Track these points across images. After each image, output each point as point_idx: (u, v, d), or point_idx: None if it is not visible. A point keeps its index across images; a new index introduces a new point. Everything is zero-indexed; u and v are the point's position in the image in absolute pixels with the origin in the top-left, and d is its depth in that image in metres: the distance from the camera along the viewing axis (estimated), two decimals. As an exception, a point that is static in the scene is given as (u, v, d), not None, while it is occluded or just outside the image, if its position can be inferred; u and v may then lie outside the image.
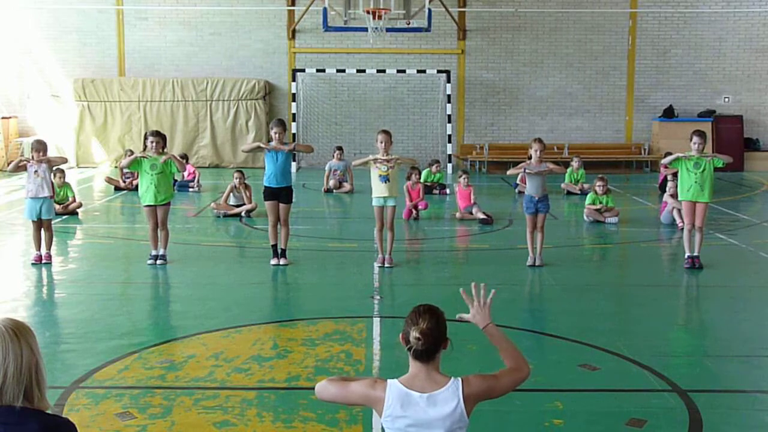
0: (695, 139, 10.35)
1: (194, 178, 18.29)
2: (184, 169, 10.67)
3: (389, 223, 10.30)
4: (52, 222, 10.76)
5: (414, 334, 3.19)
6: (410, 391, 3.21)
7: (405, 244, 12.16)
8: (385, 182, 10.16)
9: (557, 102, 24.07)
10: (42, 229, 10.48)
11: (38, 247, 10.48)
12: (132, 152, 18.30)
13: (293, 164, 21.47)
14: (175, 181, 15.28)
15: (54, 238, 10.73)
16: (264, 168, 10.54)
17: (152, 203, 10.45)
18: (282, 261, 10.47)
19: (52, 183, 10.83)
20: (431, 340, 3.20)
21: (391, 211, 10.29)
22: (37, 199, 10.34)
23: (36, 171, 10.30)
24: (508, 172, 11.00)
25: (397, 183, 10.51)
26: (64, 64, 23.61)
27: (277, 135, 10.31)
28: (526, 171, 10.33)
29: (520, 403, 5.65)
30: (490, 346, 3.53)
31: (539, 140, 10.49)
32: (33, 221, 10.44)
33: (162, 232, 10.56)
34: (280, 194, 10.38)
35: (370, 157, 10.23)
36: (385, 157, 10.14)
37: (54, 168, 11.61)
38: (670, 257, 11.79)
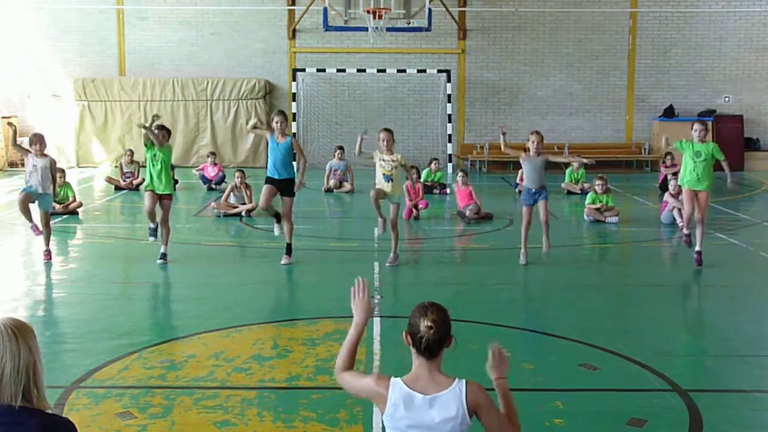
0: (696, 126, 10.35)
1: (220, 175, 18.33)
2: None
3: (393, 220, 10.29)
4: (51, 221, 10.71)
5: (425, 323, 3.21)
6: (413, 392, 3.21)
7: (405, 244, 12.13)
8: (389, 181, 10.18)
9: (557, 102, 24.07)
10: (37, 209, 10.30)
11: (30, 219, 10.34)
12: (132, 152, 18.43)
13: (293, 164, 21.44)
14: (176, 180, 15.28)
15: (53, 238, 10.71)
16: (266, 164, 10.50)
17: (154, 190, 10.26)
18: (284, 260, 10.41)
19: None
20: (442, 329, 3.22)
21: (394, 209, 10.29)
22: (37, 193, 10.24)
23: (35, 165, 10.22)
24: (503, 148, 10.69)
25: (400, 184, 10.54)
26: (64, 64, 23.60)
27: (278, 124, 10.28)
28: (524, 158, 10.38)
29: (522, 402, 5.63)
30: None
31: (537, 132, 10.45)
32: (26, 193, 10.19)
33: (163, 228, 10.47)
34: (282, 186, 10.33)
35: (374, 153, 10.27)
36: (387, 157, 10.17)
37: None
38: (670, 257, 11.80)
